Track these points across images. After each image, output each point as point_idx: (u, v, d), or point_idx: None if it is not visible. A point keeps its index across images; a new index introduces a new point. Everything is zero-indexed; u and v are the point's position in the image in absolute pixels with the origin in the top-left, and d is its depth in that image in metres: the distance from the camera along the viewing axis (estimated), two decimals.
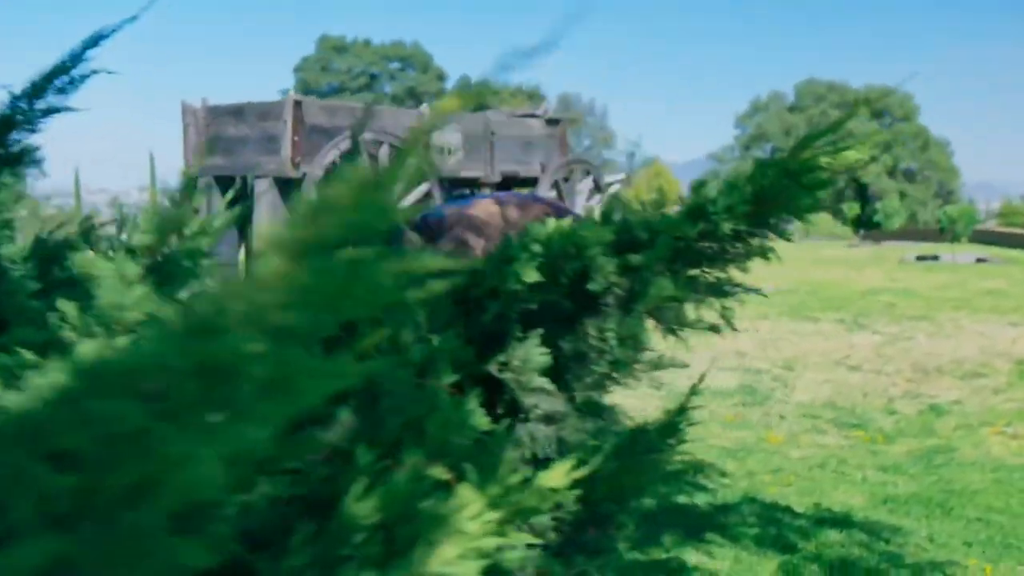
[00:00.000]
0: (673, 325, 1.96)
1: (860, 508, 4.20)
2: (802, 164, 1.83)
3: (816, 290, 11.10)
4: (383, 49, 65.67)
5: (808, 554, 3.67)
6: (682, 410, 2.00)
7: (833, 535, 3.85)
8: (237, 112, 8.32)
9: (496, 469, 1.33)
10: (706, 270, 1.97)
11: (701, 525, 3.89)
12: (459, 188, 11.30)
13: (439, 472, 1.34)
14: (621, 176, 10.75)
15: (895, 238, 29.41)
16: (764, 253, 2.00)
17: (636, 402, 5.61)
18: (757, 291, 2.08)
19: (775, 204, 1.85)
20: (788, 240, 1.95)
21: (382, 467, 1.30)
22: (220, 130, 8.50)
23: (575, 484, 1.98)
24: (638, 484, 1.98)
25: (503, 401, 1.86)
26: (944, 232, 27.27)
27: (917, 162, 62.37)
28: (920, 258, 18.28)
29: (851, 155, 1.94)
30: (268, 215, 7.93)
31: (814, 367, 6.98)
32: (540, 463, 1.88)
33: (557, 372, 1.92)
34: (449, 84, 65.85)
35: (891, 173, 60.54)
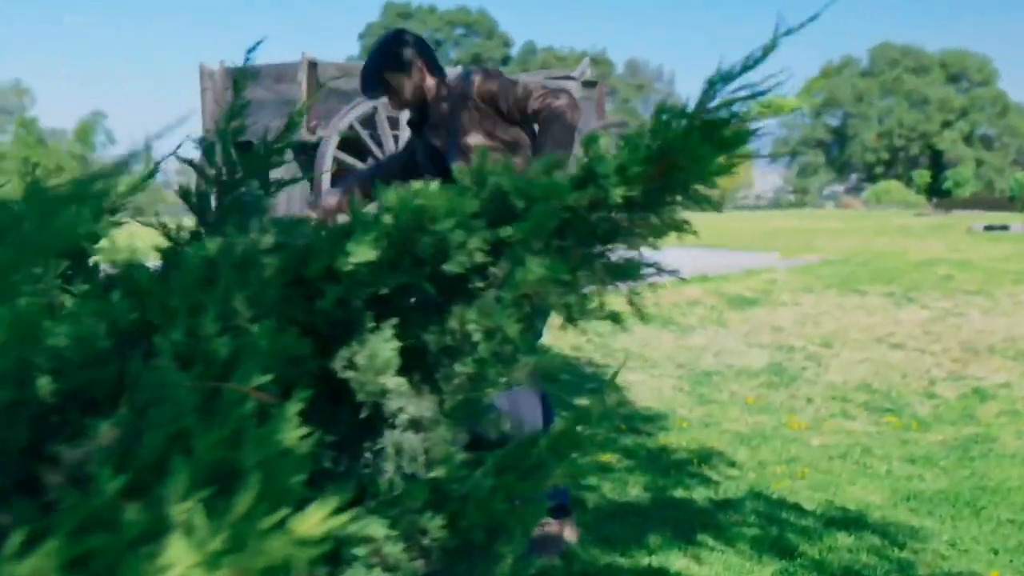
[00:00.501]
0: (568, 315, 1.58)
1: (878, 506, 3.79)
2: (715, 115, 1.45)
3: (869, 261, 10.57)
4: (448, 15, 65.36)
5: (809, 560, 3.28)
6: (585, 414, 1.63)
7: (842, 538, 3.45)
8: (254, 75, 8.01)
9: (229, 511, 0.99)
10: (605, 247, 1.59)
11: (694, 524, 3.52)
12: None
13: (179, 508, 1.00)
14: None
15: (968, 207, 28.42)
16: (679, 227, 1.63)
17: (654, 382, 5.24)
18: (674, 273, 1.70)
19: (680, 165, 1.47)
20: (716, 211, 1.58)
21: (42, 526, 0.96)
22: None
23: (440, 507, 1.62)
24: (519, 513, 1.61)
25: (367, 405, 1.51)
26: (1014, 200, 26.22)
27: (995, 128, 60.48)
28: (988, 228, 17.50)
29: (788, 102, 1.55)
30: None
31: (853, 344, 6.52)
32: (409, 480, 1.55)
33: (425, 370, 1.57)
34: (514, 50, 65.30)
35: (967, 139, 58.80)
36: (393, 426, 1.57)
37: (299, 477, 1.14)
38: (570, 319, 1.61)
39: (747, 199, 61.53)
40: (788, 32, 1.44)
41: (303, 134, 7.61)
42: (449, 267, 1.45)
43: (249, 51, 2.08)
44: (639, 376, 5.61)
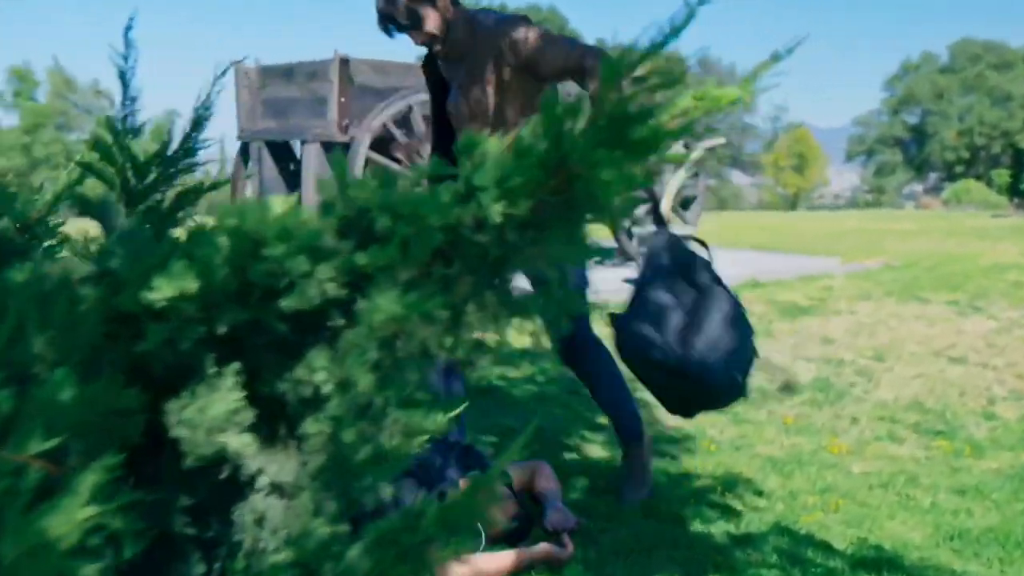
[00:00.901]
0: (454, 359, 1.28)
1: (917, 545, 3.42)
2: (622, 109, 1.15)
3: (935, 266, 10.04)
4: (518, 13, 64.97)
5: None
6: (486, 482, 1.34)
7: None
8: (288, 73, 7.82)
9: None
10: (501, 276, 1.29)
11: (706, 564, 3.18)
12: None
13: None
14: (717, 140, 9.88)
15: None
16: (594, 252, 1.33)
17: None
18: (598, 306, 1.37)
19: (580, 175, 1.16)
20: (611, 227, 1.28)
21: None
22: (272, 92, 8.02)
23: None
24: None
25: (227, 465, 1.23)
26: None
27: None
28: None
29: (726, 92, 1.25)
30: (314, 183, 7.42)
31: (908, 358, 6.10)
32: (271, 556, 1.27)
33: (286, 425, 1.28)
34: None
35: None
36: (255, 490, 1.28)
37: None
38: (464, 364, 1.31)
39: (823, 198, 60.40)
40: (703, 2, 1.13)
41: (335, 133, 7.39)
42: (288, 303, 1.16)
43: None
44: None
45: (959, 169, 56.20)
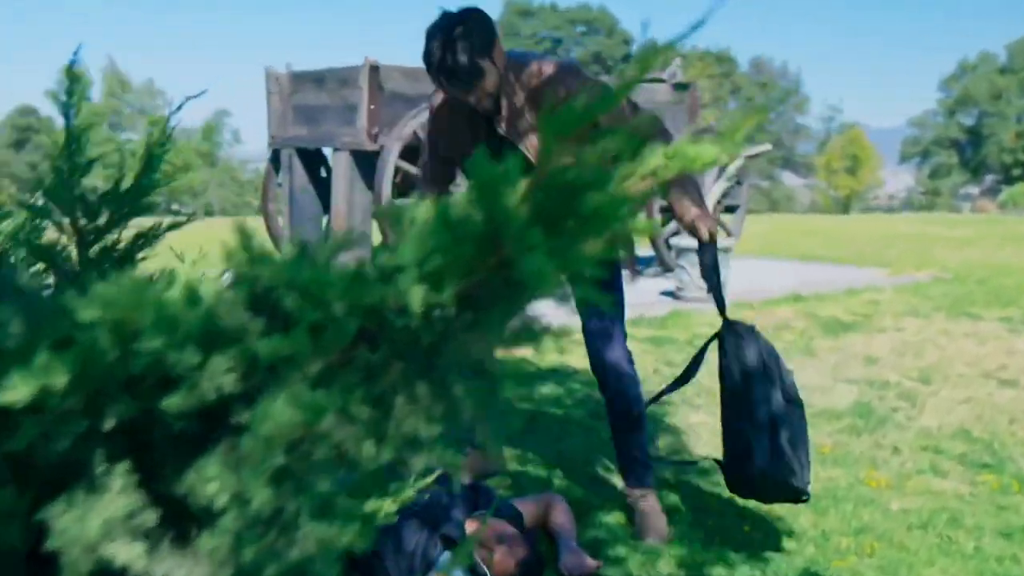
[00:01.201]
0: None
1: None
2: (564, 176, 0.96)
3: (988, 278, 9.68)
4: (569, 13, 64.77)
5: None
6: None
7: None
8: (319, 79, 7.67)
9: None
10: (436, 362, 1.10)
11: None
12: None
13: None
14: (762, 147, 9.60)
15: None
16: (538, 335, 1.13)
17: (719, 424, 4.69)
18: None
19: (514, 256, 0.97)
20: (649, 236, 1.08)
21: None
22: (302, 99, 7.89)
23: None
24: None
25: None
26: None
27: None
28: None
29: (703, 151, 1.04)
30: (344, 192, 7.28)
31: (956, 380, 5.82)
32: None
33: (194, 532, 1.10)
34: (635, 48, 64.40)
35: None
36: None
37: None
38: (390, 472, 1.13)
39: (878, 199, 59.49)
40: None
41: (364, 141, 7.24)
42: (175, 400, 0.98)
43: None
44: (702, 417, 5.05)
45: (1016, 172, 55.05)
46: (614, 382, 3.55)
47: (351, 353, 0.99)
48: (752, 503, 3.87)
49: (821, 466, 4.41)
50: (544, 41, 62.55)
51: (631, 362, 3.58)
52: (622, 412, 3.59)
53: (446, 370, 1.07)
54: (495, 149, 2.99)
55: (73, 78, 1.71)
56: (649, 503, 3.62)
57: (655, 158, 1.01)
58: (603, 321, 3.47)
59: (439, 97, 3.15)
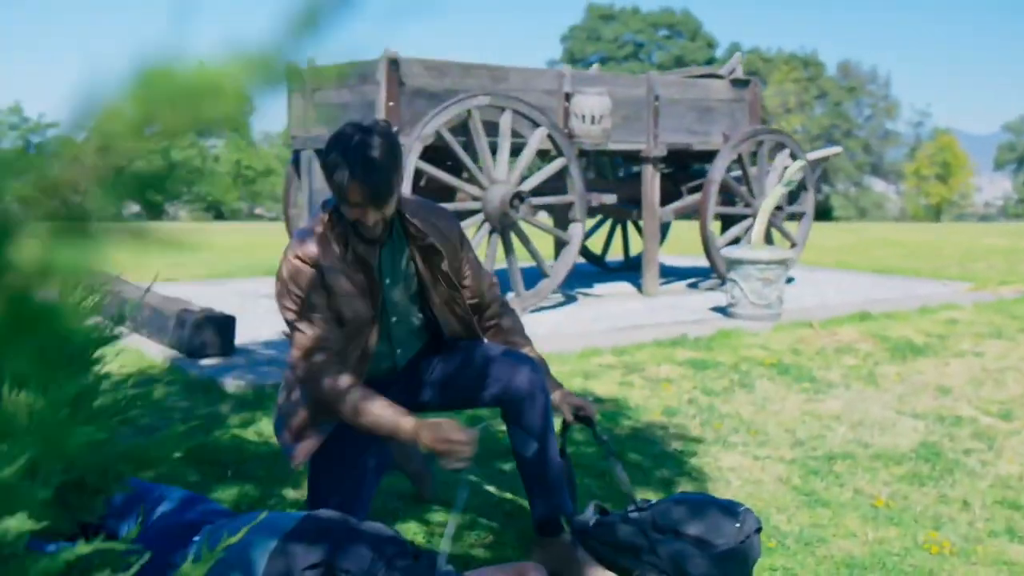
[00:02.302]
0: None
1: None
2: None
3: None
4: (651, 17, 63.70)
5: None
6: None
7: None
8: (339, 74, 7.10)
9: None
10: None
11: None
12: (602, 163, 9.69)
13: None
14: (832, 149, 8.80)
15: None
16: None
17: (755, 468, 3.99)
18: None
19: None
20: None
21: None
22: (324, 96, 7.33)
23: None
24: None
25: None
26: None
27: None
28: None
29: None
30: None
31: None
32: None
33: None
34: (719, 52, 63.09)
35: None
36: None
37: None
38: None
39: (973, 206, 57.37)
40: None
41: None
42: None
43: None
44: (738, 459, 4.33)
45: None
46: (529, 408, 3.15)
47: None
48: (771, 575, 3.18)
49: (873, 524, 3.68)
50: (626, 45, 61.60)
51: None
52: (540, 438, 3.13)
53: None
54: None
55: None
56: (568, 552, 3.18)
57: None
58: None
59: (311, 246, 2.82)
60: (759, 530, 3.20)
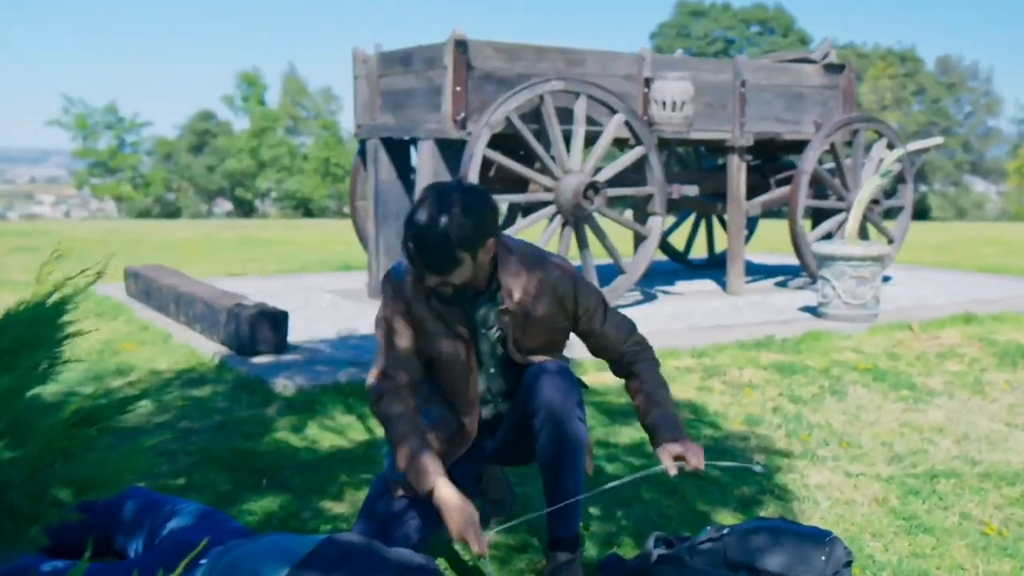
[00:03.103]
0: None
1: None
2: None
3: None
4: (743, 12, 62.54)
5: None
6: None
7: None
8: (406, 59, 6.77)
9: None
10: None
11: None
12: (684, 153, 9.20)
13: None
14: (933, 140, 8.22)
15: None
16: None
17: (847, 487, 3.59)
18: None
19: None
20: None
21: None
22: (390, 83, 7.00)
23: None
24: None
25: None
26: None
27: None
28: None
29: None
30: None
31: None
32: None
33: None
34: (812, 47, 61.73)
35: None
36: None
37: None
38: None
39: None
40: None
41: (449, 129, 6.29)
42: None
43: None
44: (828, 475, 3.88)
45: None
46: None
47: None
48: None
49: (982, 554, 3.21)
50: (716, 41, 60.58)
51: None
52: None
53: None
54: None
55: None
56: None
57: None
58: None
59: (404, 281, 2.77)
60: (850, 563, 2.77)
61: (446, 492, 2.48)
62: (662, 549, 2.81)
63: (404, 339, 2.73)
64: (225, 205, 41.40)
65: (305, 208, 37.93)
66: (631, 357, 2.82)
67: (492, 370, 2.84)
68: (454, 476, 2.66)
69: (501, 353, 2.79)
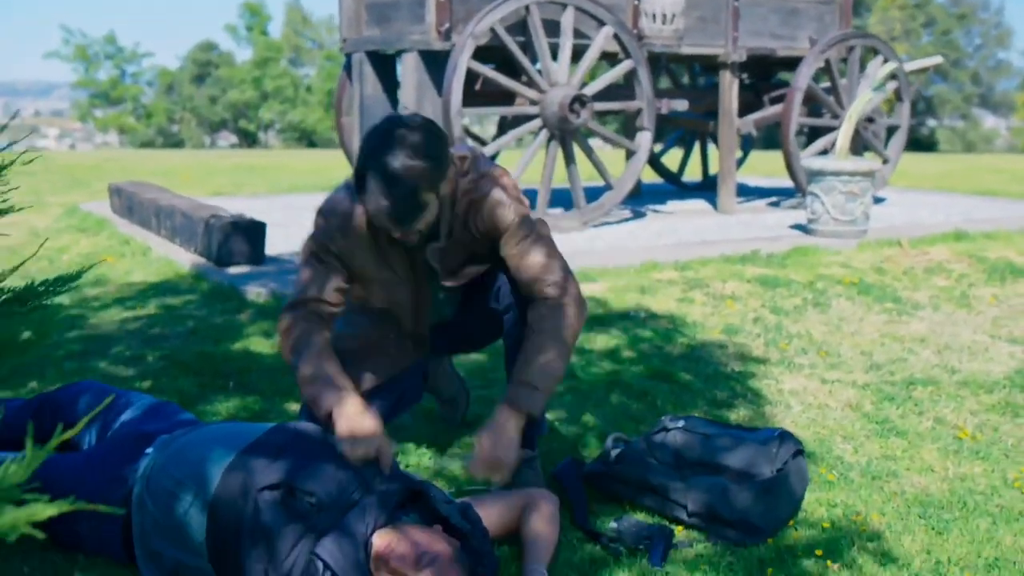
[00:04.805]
0: None
1: None
2: None
3: None
4: None
5: None
6: None
7: None
8: None
9: None
10: None
11: None
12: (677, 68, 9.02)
13: None
14: (932, 60, 8.06)
15: None
16: None
17: (823, 392, 3.55)
18: None
19: None
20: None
21: None
22: None
23: None
24: None
25: None
26: None
27: None
28: None
29: None
30: (413, 100, 6.25)
31: None
32: None
33: None
34: None
35: None
36: None
37: None
38: None
39: None
40: None
41: (432, 40, 6.17)
42: None
43: None
44: (803, 381, 3.84)
45: None
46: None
47: None
48: (841, 515, 2.71)
49: (955, 458, 3.17)
50: None
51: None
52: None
53: None
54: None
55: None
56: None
57: None
58: None
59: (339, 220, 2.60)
60: (801, 452, 2.74)
61: (351, 408, 2.34)
62: (621, 447, 2.77)
63: (334, 276, 2.59)
64: (230, 138, 41.11)
65: (309, 140, 37.64)
66: (539, 296, 2.53)
67: (441, 296, 2.76)
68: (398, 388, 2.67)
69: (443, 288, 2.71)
